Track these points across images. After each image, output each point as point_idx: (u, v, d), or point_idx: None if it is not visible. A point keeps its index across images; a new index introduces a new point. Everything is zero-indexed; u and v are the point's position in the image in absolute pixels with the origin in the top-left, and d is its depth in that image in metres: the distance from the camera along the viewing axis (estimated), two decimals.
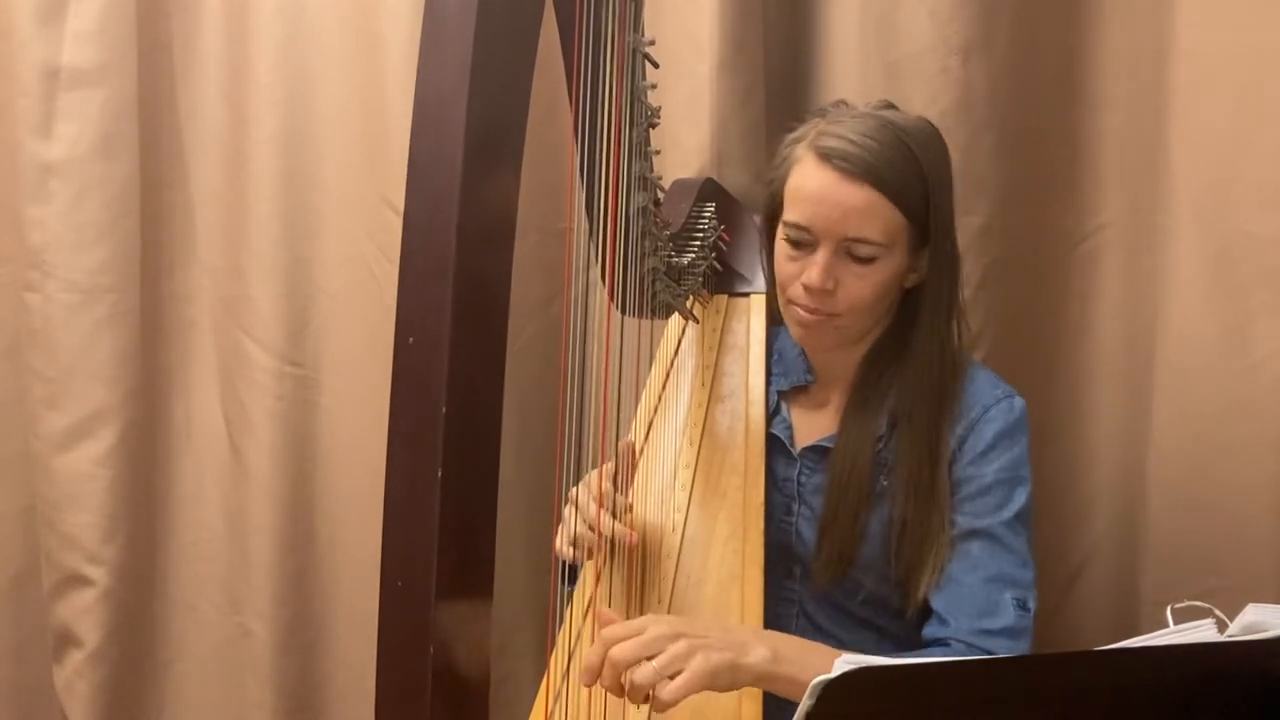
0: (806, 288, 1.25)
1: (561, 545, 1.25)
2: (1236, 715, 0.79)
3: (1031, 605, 1.23)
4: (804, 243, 1.25)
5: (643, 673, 0.99)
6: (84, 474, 1.88)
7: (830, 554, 1.29)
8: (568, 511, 1.25)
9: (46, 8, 1.80)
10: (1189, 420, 1.48)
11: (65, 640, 1.93)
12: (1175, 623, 0.81)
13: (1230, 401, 1.45)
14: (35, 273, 1.86)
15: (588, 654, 1.03)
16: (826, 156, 1.22)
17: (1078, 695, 0.77)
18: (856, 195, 1.21)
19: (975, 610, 1.21)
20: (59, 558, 1.91)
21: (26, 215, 1.85)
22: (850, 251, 1.24)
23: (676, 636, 1.02)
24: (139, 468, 1.93)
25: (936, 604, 1.24)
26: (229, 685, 1.95)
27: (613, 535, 1.22)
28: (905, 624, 1.29)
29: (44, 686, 1.97)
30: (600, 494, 1.21)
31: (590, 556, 1.24)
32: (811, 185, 1.24)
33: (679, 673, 1.00)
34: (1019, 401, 1.29)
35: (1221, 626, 0.80)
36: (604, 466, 1.20)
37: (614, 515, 1.23)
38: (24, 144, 1.83)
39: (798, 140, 1.28)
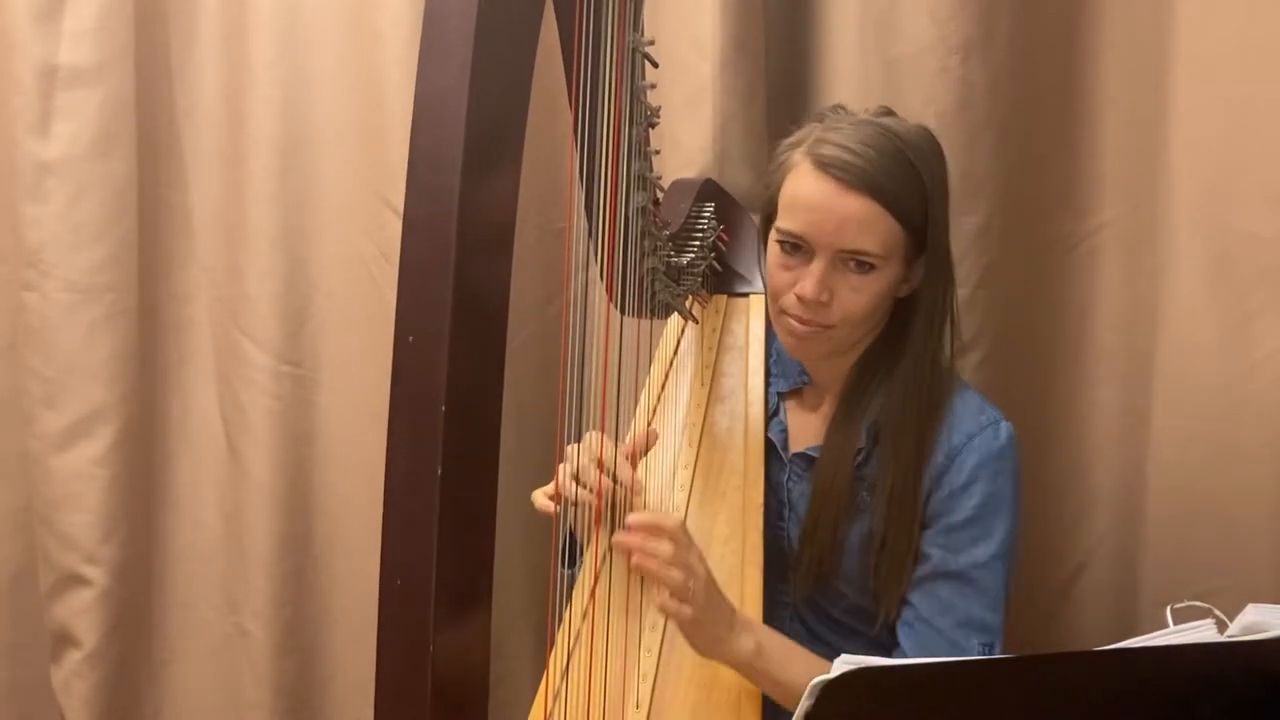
0: (801, 299, 1.22)
1: (559, 494, 1.22)
2: (1236, 715, 0.79)
3: (997, 650, 1.23)
4: (799, 252, 1.23)
5: (671, 575, 1.08)
6: (81, 474, 1.88)
7: (810, 563, 1.29)
8: (561, 469, 1.22)
9: (44, 6, 1.79)
10: (1189, 420, 1.48)
11: (63, 640, 1.93)
12: (1175, 623, 0.81)
13: (1230, 401, 1.45)
14: (32, 272, 1.85)
15: (637, 520, 1.11)
16: (824, 165, 1.19)
17: (1078, 695, 0.77)
18: (855, 206, 1.18)
19: (942, 656, 1.18)
20: (56, 558, 1.91)
21: (24, 214, 1.84)
22: (846, 263, 1.21)
23: (705, 581, 1.11)
24: (136, 467, 1.92)
25: (905, 643, 1.24)
26: (226, 685, 1.95)
27: (614, 493, 1.21)
28: (888, 633, 1.28)
29: (41, 687, 1.96)
30: (600, 458, 1.19)
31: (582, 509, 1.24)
32: (808, 194, 1.21)
33: (685, 602, 1.09)
34: (1005, 428, 1.26)
35: (1221, 626, 0.80)
36: (602, 434, 1.19)
37: (614, 479, 1.21)
38: (21, 143, 1.82)
39: (794, 145, 1.25)
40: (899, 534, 1.24)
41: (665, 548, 1.09)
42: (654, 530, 1.10)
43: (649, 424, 1.40)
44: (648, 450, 1.27)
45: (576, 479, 1.20)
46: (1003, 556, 1.23)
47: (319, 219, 1.84)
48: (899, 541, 1.24)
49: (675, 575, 1.08)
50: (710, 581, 1.12)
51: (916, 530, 1.24)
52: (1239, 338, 1.44)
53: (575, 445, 1.19)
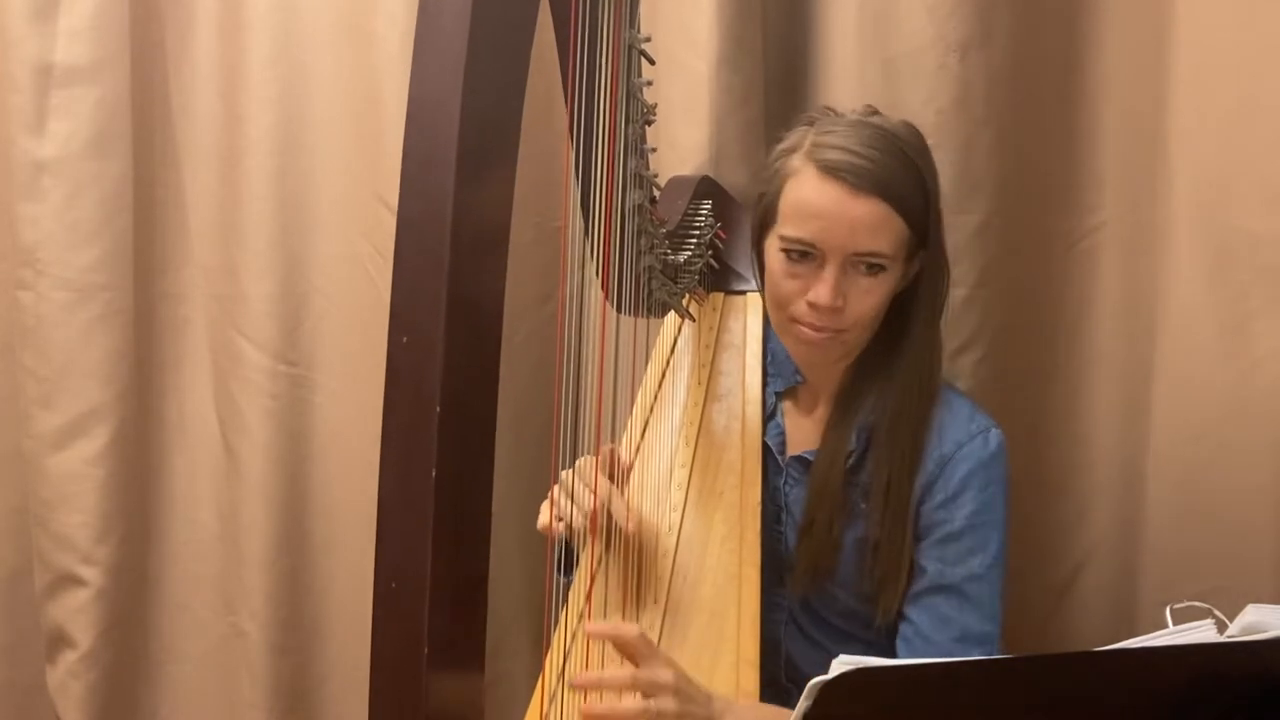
0: (814, 306, 1.21)
1: (551, 521, 1.22)
2: (1236, 715, 0.79)
3: None
4: (807, 259, 1.21)
5: (629, 708, 1.04)
6: (77, 474, 1.87)
7: (807, 565, 1.29)
8: (556, 490, 1.21)
9: (39, 5, 1.79)
10: (1188, 420, 1.47)
11: (58, 641, 1.92)
12: (1175, 623, 0.81)
13: (1229, 401, 1.44)
14: (28, 271, 1.85)
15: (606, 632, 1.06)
16: (830, 169, 1.18)
17: (1078, 695, 0.77)
18: (865, 209, 1.17)
19: None
20: (52, 558, 1.90)
21: (19, 213, 1.84)
22: (857, 266, 1.20)
23: (672, 691, 1.04)
24: (132, 467, 1.92)
25: (905, 657, 1.23)
26: (223, 686, 1.94)
27: (608, 520, 1.20)
28: (885, 635, 1.29)
29: (37, 687, 1.96)
30: (595, 484, 1.18)
31: (578, 534, 1.23)
32: (817, 200, 1.19)
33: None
34: (995, 436, 1.26)
35: (1221, 626, 0.80)
36: (597, 457, 1.18)
37: (609, 510, 1.20)
38: (17, 141, 1.82)
39: (790, 151, 1.24)
40: (892, 537, 1.24)
41: (622, 679, 1.05)
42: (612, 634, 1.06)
43: (645, 423, 1.40)
44: (627, 475, 1.26)
45: (572, 498, 1.20)
46: (997, 565, 1.24)
47: (315, 218, 1.83)
48: (893, 544, 1.24)
49: (633, 708, 1.04)
50: (685, 689, 1.05)
51: (909, 533, 1.24)
52: (1238, 337, 1.44)
53: (569, 471, 1.20)
